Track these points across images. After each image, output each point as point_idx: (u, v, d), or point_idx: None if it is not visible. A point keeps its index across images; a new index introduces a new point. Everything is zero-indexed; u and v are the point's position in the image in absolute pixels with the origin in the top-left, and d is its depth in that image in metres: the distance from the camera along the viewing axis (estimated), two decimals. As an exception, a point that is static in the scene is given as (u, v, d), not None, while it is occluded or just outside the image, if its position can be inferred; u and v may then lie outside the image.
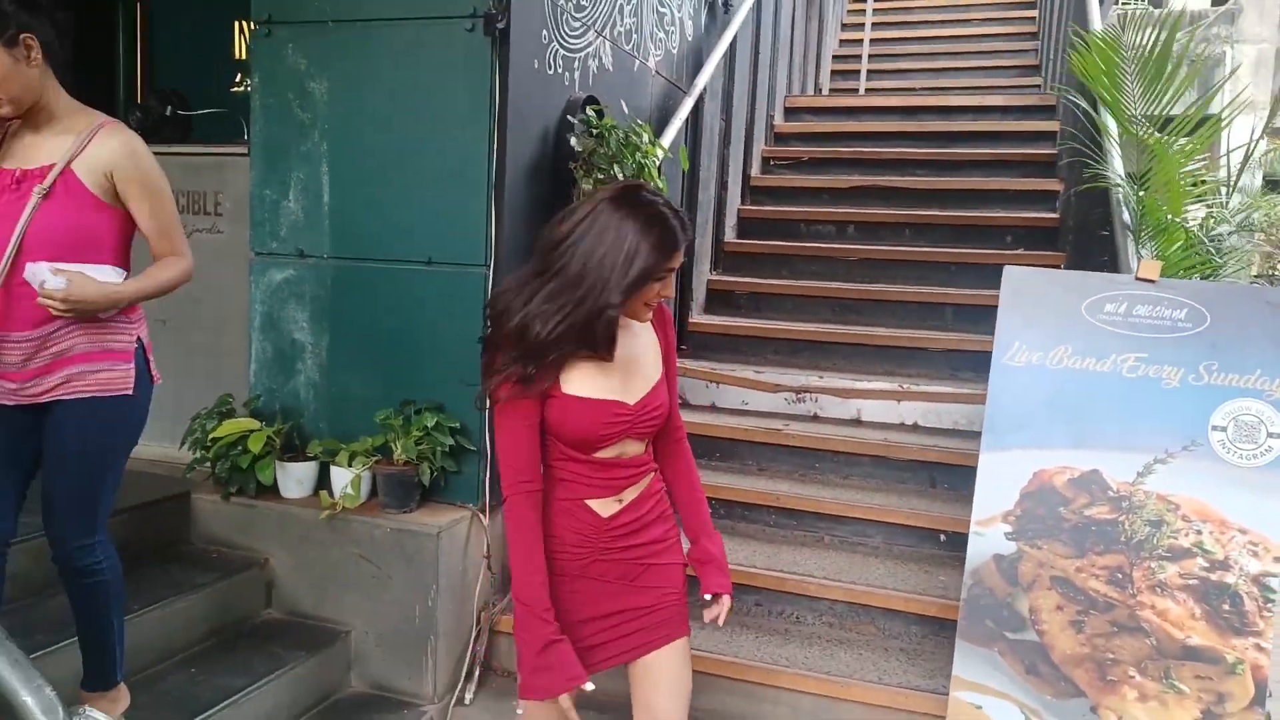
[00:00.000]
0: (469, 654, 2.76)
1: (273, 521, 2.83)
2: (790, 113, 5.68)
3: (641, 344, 1.68)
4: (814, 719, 2.52)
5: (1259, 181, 14.16)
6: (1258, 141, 4.09)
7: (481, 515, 2.80)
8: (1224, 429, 2.04)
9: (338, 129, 2.89)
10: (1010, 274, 2.25)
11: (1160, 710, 2.00)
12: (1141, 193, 2.62)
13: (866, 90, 6.51)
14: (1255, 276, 13.62)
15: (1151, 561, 2.05)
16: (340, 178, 2.91)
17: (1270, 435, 2.02)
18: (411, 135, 2.83)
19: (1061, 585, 2.11)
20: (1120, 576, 2.07)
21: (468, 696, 2.70)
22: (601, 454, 1.63)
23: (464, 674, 2.73)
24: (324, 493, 2.77)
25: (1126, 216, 2.63)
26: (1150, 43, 2.91)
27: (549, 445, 1.63)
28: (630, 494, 1.68)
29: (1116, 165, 2.93)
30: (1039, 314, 2.21)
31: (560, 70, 3.10)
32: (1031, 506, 2.16)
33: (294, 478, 2.84)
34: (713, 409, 3.80)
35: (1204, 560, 2.02)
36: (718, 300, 4.36)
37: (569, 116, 3.07)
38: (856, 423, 3.61)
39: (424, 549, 2.67)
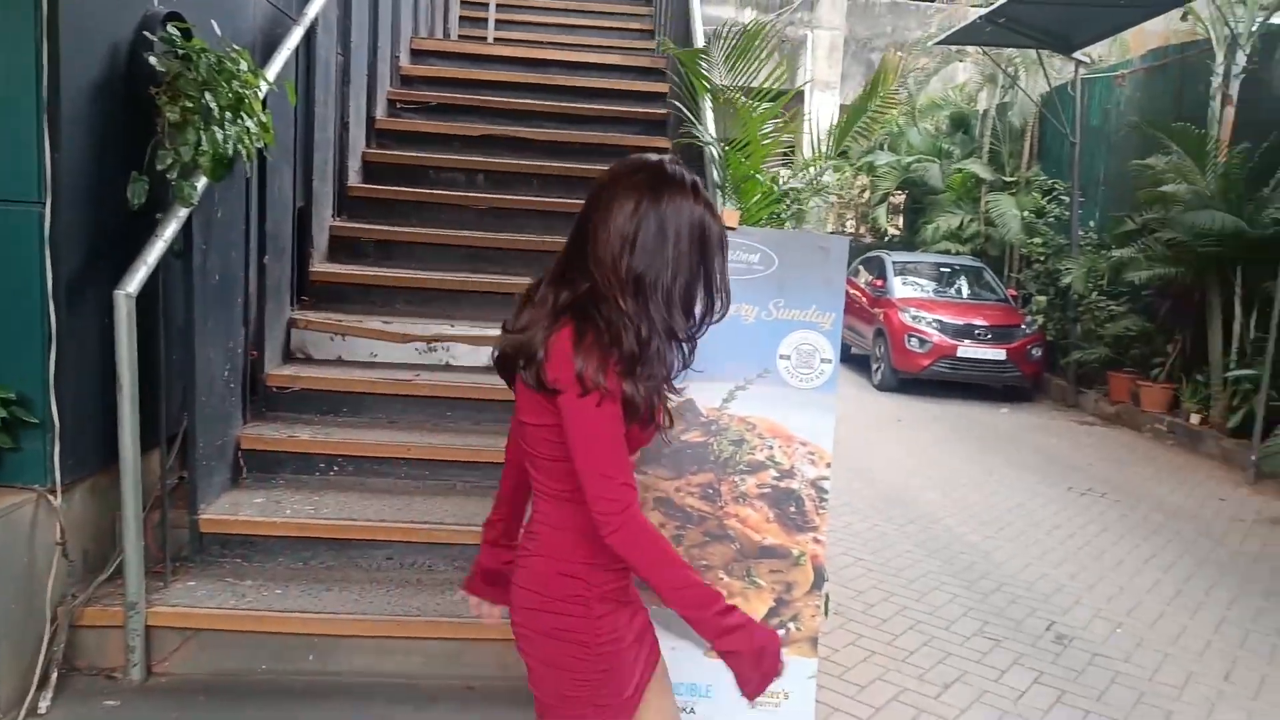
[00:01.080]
0: (43, 656, 2.37)
1: None
2: (417, 55, 5.50)
3: None
4: (445, 662, 2.54)
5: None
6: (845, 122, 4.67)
7: (51, 496, 2.40)
8: (789, 357, 2.36)
9: None
10: (615, 220, 2.39)
11: (743, 604, 2.30)
12: (728, 151, 2.93)
13: (495, 40, 6.50)
14: (832, 230, 15.98)
15: (735, 476, 2.33)
16: None
17: (823, 361, 2.37)
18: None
19: (663, 505, 2.32)
20: (711, 492, 2.33)
21: (43, 704, 2.33)
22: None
23: (37, 679, 2.35)
24: None
25: (716, 173, 2.93)
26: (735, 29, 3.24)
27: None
28: None
29: (710, 127, 3.23)
30: (641, 258, 2.37)
31: (133, -22, 2.68)
32: (637, 436, 2.34)
33: None
34: (339, 363, 3.61)
35: (775, 471, 2.34)
36: (342, 248, 4.13)
37: (146, 33, 2.67)
38: (490, 369, 3.64)
39: (-29, 542, 2.23)
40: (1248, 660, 3.71)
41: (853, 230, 16.41)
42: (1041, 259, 10.43)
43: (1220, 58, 8.00)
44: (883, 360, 10.13)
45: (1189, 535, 5.40)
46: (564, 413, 1.38)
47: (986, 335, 9.64)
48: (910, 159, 13.63)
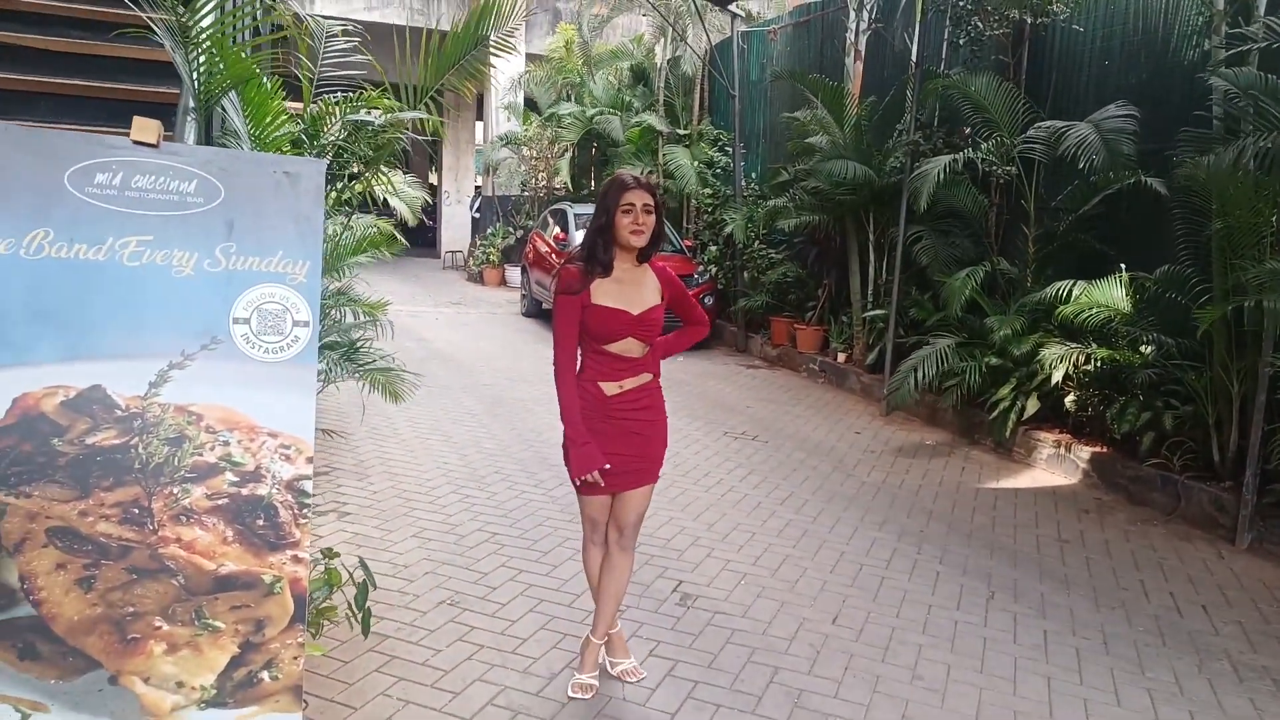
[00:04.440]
0: None
1: None
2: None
3: (648, 280, 2.78)
4: None
5: (521, 100, 16.08)
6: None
7: None
8: (247, 321, 1.77)
9: None
10: (-41, 132, 1.64)
11: (193, 657, 1.71)
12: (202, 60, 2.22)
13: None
14: (523, 188, 15.48)
15: (174, 487, 1.72)
16: None
17: (297, 324, 1.81)
18: None
19: (62, 537, 1.66)
20: (138, 512, 1.70)
21: None
22: (610, 348, 2.71)
23: None
24: None
25: (191, 100, 2.20)
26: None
27: (583, 339, 2.71)
28: (630, 384, 2.76)
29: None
30: (6, 187, 1.65)
31: None
32: (14, 444, 1.64)
33: None
34: None
35: (233, 475, 1.75)
36: None
37: None
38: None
39: None
40: (856, 599, 3.75)
41: (545, 183, 16.06)
42: (710, 209, 10.67)
43: (853, 15, 8.43)
44: (564, 314, 9.83)
45: (824, 470, 5.59)
46: None
47: (662, 285, 9.66)
48: (594, 111, 13.44)
